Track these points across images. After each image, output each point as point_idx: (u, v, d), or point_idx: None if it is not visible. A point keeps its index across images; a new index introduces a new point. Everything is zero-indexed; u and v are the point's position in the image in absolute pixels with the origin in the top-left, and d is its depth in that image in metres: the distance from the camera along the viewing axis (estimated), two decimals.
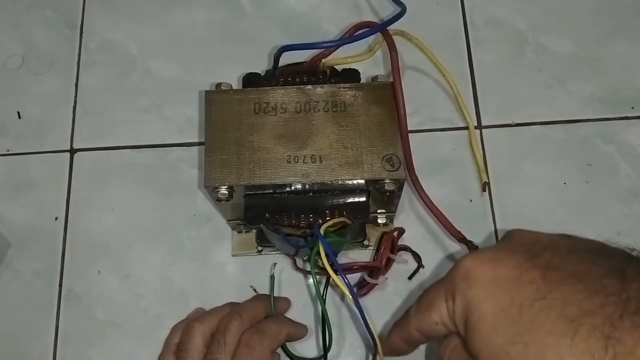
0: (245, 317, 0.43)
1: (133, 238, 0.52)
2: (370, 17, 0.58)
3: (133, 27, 0.59)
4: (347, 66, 0.48)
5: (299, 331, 0.46)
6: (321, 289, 0.44)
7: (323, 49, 0.47)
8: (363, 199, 0.44)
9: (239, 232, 0.51)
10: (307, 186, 0.43)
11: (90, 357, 0.49)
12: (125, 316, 0.50)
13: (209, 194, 0.43)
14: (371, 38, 0.55)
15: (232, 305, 0.46)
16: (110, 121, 0.56)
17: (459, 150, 0.53)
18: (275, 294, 0.46)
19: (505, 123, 0.54)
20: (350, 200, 0.44)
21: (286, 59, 0.45)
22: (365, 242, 0.50)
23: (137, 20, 0.60)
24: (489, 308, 0.29)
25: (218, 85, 0.45)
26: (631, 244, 0.30)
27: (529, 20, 0.58)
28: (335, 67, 0.49)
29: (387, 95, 0.44)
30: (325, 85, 0.44)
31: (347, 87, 0.44)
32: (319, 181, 0.42)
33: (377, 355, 0.42)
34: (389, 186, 0.41)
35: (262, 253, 0.51)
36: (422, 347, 0.38)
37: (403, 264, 0.49)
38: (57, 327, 0.50)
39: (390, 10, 0.57)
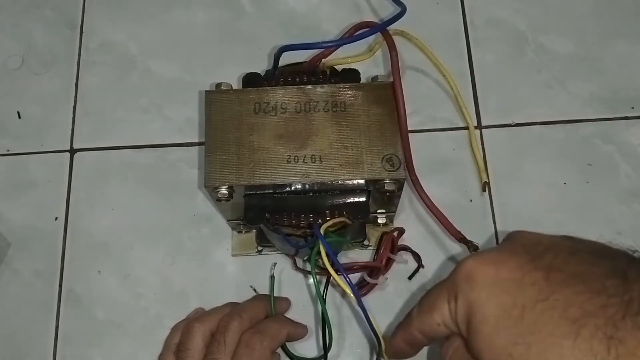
0: (245, 317, 0.43)
1: (133, 238, 0.52)
2: (370, 17, 0.58)
3: (133, 27, 0.59)
4: (347, 66, 0.48)
5: (299, 331, 0.47)
6: (321, 289, 0.44)
7: (323, 49, 0.47)
8: (363, 199, 0.44)
9: (239, 232, 0.51)
10: (307, 186, 0.43)
11: (90, 357, 0.49)
12: (125, 316, 0.50)
13: (209, 194, 0.43)
14: (371, 38, 0.55)
15: (232, 305, 0.46)
16: (110, 121, 0.56)
17: (459, 150, 0.53)
18: (275, 294, 0.46)
19: (505, 123, 0.54)
20: (350, 200, 0.44)
21: (286, 59, 0.45)
22: (365, 242, 0.50)
23: (137, 20, 0.60)
24: (491, 309, 0.29)
25: (218, 85, 0.45)
26: (632, 245, 0.30)
27: (529, 20, 0.58)
28: (335, 67, 0.49)
29: (387, 95, 0.44)
30: (325, 85, 0.44)
31: (347, 87, 0.44)
32: (319, 181, 0.42)
33: (381, 355, 0.42)
34: (389, 186, 0.41)
35: (262, 253, 0.51)
36: (424, 348, 0.38)
37: (403, 264, 0.49)
38: (57, 327, 0.50)
39: (390, 10, 0.57)
